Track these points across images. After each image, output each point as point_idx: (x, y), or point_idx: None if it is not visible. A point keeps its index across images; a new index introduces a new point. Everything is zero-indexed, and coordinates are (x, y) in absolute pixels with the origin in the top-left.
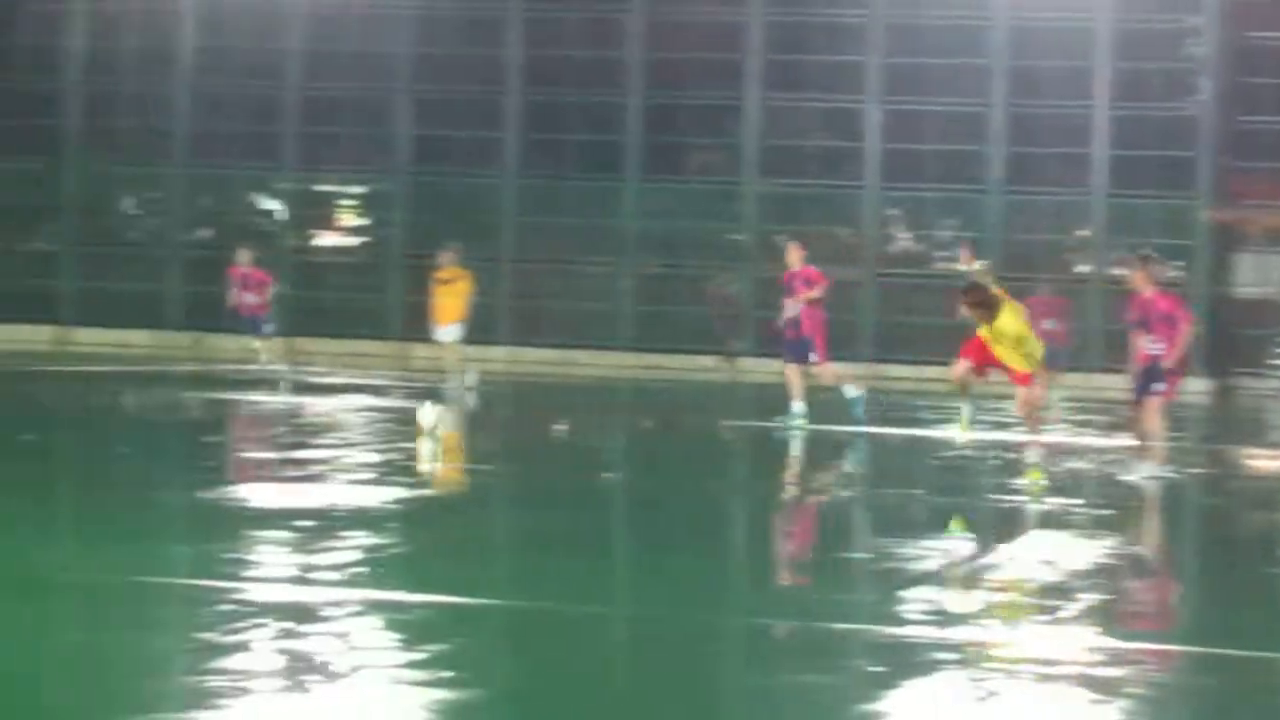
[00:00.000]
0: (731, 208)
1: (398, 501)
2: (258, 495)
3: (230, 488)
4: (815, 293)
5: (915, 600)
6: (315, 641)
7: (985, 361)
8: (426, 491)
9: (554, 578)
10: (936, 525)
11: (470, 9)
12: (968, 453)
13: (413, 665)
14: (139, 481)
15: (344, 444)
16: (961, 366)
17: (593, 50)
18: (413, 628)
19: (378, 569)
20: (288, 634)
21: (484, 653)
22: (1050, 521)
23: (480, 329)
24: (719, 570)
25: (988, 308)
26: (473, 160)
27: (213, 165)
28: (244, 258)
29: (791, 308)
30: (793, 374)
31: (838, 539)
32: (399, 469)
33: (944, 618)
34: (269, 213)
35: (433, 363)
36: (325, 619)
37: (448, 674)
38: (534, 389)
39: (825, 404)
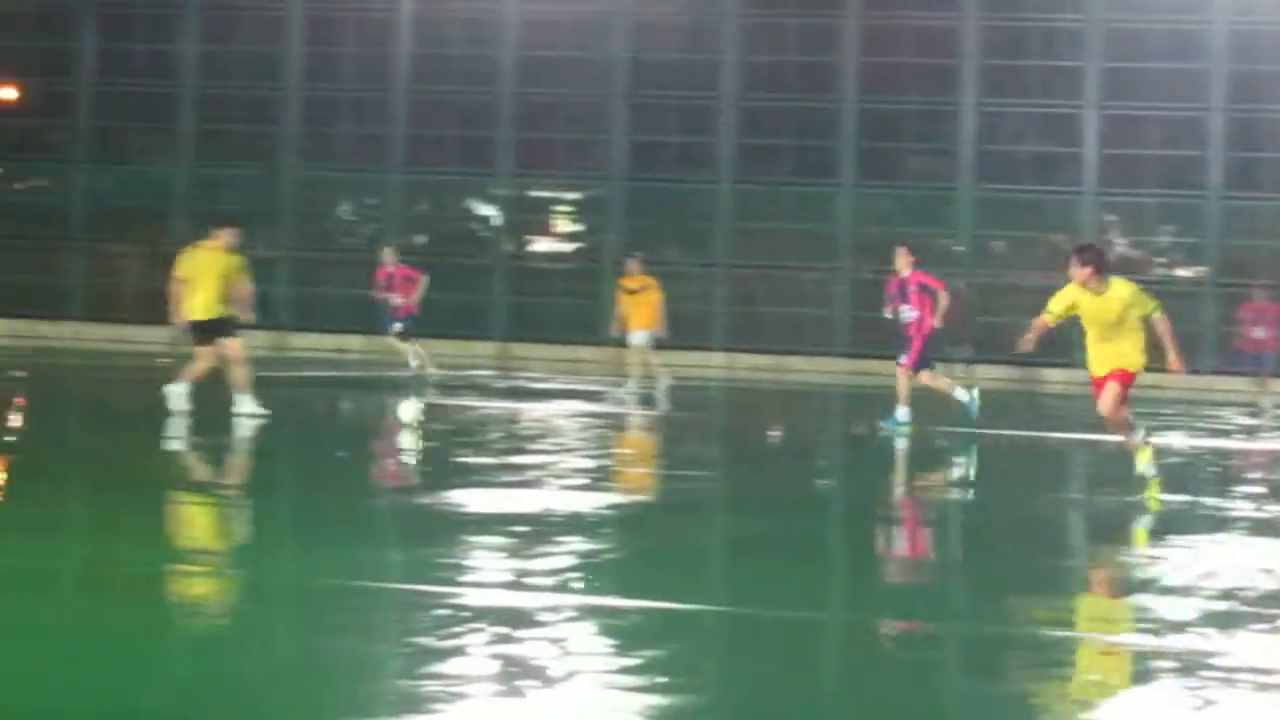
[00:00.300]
0: (946, 213)
1: (612, 507)
2: (473, 500)
3: (446, 493)
4: (943, 300)
5: (1134, 607)
6: (530, 646)
7: (1117, 383)
8: (641, 497)
9: (768, 583)
10: (1154, 531)
11: (686, 15)
12: (1178, 460)
13: (627, 670)
14: (355, 486)
15: (558, 449)
16: (1109, 403)
17: (808, 56)
18: (627, 633)
19: (592, 574)
20: (502, 639)
21: (698, 658)
22: (1266, 529)
23: (695, 335)
24: (933, 576)
25: (1101, 270)
26: (687, 166)
27: (428, 171)
28: (388, 256)
29: (907, 313)
30: (914, 379)
31: (1052, 545)
32: (613, 474)
33: (1161, 625)
34: (484, 218)
35: (619, 367)
36: (540, 624)
37: (662, 679)
38: (748, 394)
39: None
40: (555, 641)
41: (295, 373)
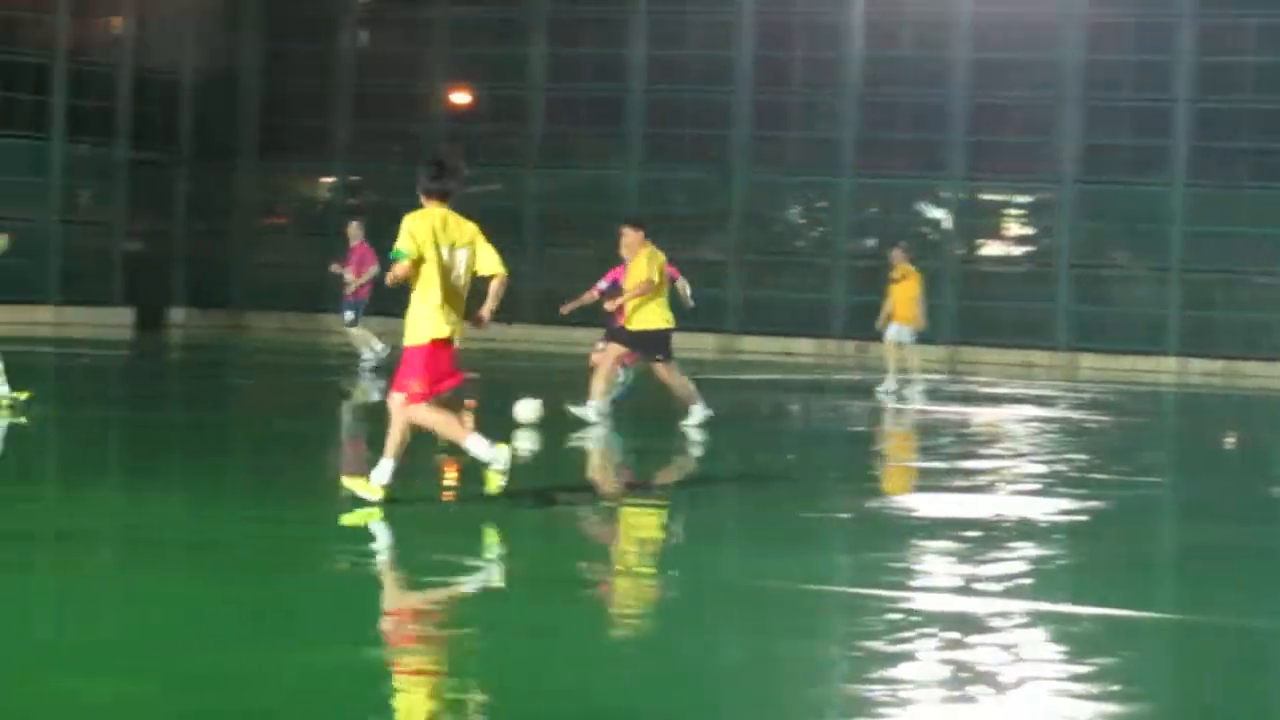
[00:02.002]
0: None
1: (1064, 513)
2: (924, 505)
3: (896, 497)
4: None
5: None
6: (981, 652)
7: None
8: (1094, 503)
9: (1223, 591)
10: None
11: (1140, 16)
12: None
13: (1079, 678)
14: (803, 489)
15: (1010, 454)
16: None
17: (1265, 57)
18: (1080, 640)
19: (1044, 580)
20: (953, 644)
21: (1151, 667)
22: None
23: (1148, 340)
24: None
25: None
26: (1140, 168)
27: (878, 174)
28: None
29: None
30: None
31: None
32: (1066, 480)
33: None
34: (934, 221)
35: (1070, 372)
36: (991, 629)
37: (1114, 687)
38: (1201, 400)
39: None
40: (1006, 647)
41: (743, 376)
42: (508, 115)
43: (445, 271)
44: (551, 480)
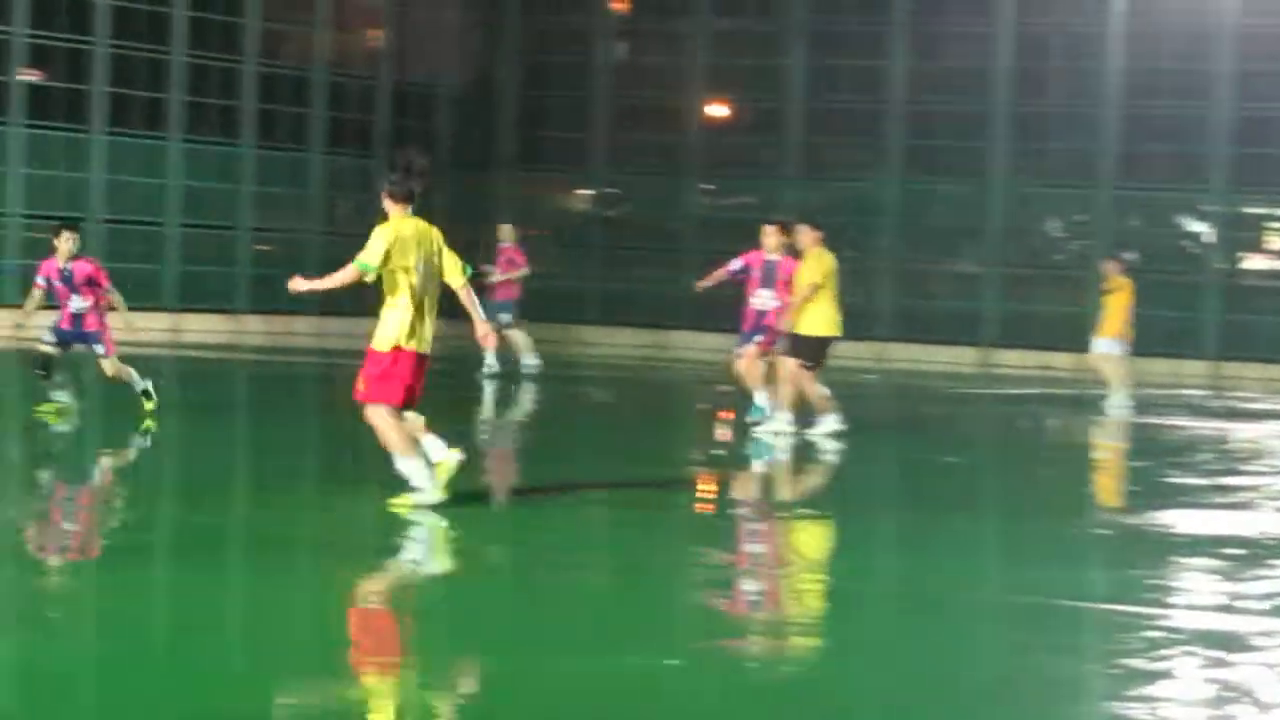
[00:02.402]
0: None
1: None
2: (1183, 521)
3: (1154, 513)
4: None
5: None
6: (1244, 671)
7: None
8: None
9: None
10: None
11: None
12: None
13: None
14: (1061, 505)
15: (1273, 471)
16: None
17: None
18: None
19: None
20: (1215, 663)
21: None
22: None
23: None
24: None
25: None
26: None
27: (1139, 186)
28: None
29: None
30: None
31: None
32: None
33: None
34: (1195, 235)
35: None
36: (1255, 648)
37: None
38: None
39: None
40: (1270, 667)
41: (1002, 390)
42: (765, 127)
43: (416, 280)
44: (814, 494)
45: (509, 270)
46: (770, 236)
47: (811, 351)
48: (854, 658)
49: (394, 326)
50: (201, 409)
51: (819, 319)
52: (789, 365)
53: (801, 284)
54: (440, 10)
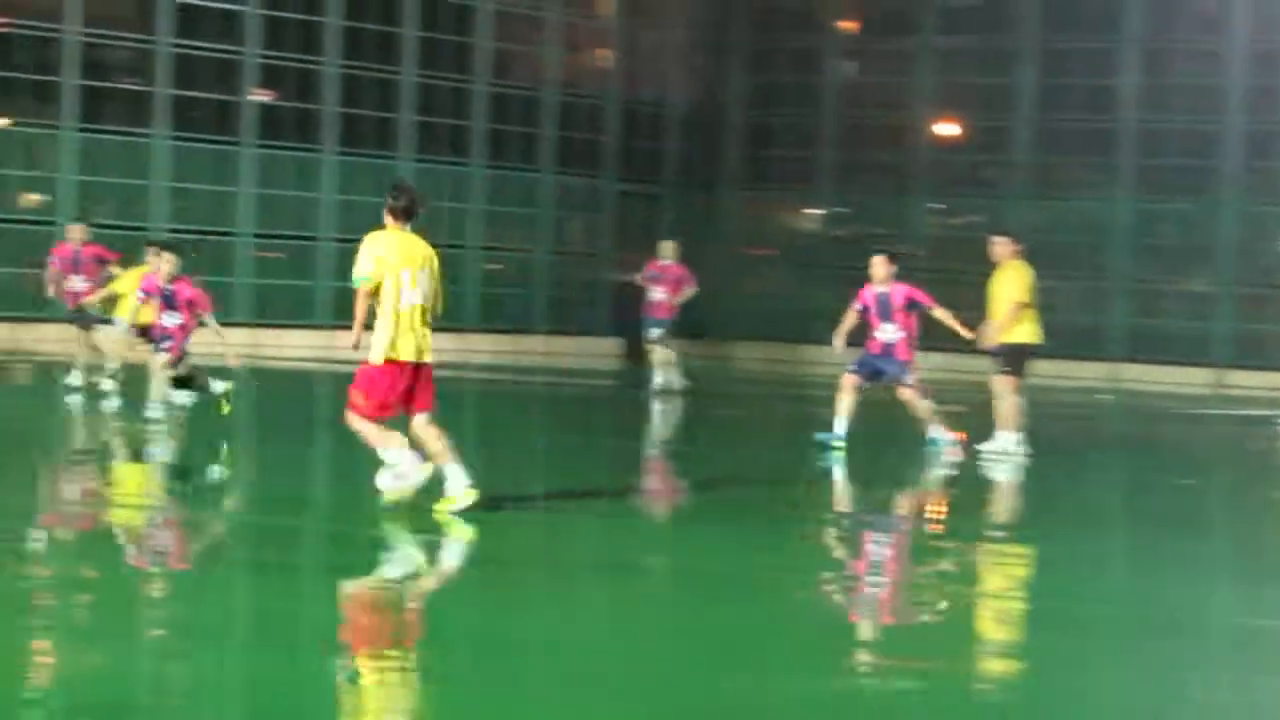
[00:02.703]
0: None
1: None
2: None
3: None
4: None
5: None
6: None
7: None
8: None
9: None
10: None
11: None
12: None
13: None
14: None
15: None
16: None
17: None
18: None
19: None
20: None
21: None
22: None
23: None
24: None
25: None
26: None
27: None
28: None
29: None
30: None
31: None
32: None
33: None
34: None
35: None
36: None
37: None
38: None
39: None
40: None
41: (1236, 411)
42: (994, 146)
43: (406, 292)
44: (1044, 515)
45: (677, 292)
46: (878, 268)
47: (1012, 359)
48: (1091, 680)
49: (384, 340)
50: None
51: (1019, 328)
52: (1000, 383)
53: (1002, 299)
54: (669, 30)
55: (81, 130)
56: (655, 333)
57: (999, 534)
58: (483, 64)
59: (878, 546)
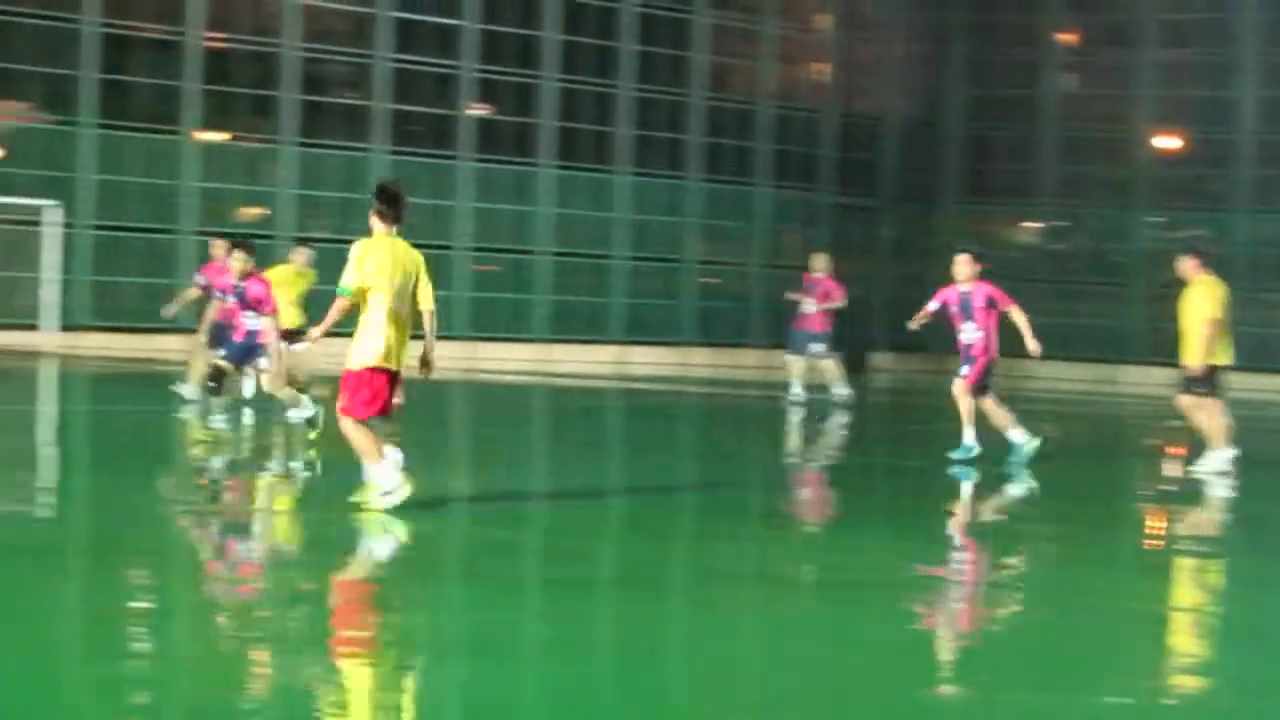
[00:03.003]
0: None
1: None
2: None
3: None
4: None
5: None
6: None
7: None
8: None
9: None
10: None
11: None
12: None
13: None
14: None
15: None
16: None
17: None
18: None
19: None
20: None
21: None
22: None
23: None
24: None
25: None
26: None
27: None
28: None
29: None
30: None
31: None
32: None
33: None
34: None
35: None
36: None
37: None
38: None
39: None
40: None
41: None
42: (1216, 159)
43: (391, 299)
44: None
45: (825, 302)
46: (962, 266)
47: (1204, 381)
48: None
49: (368, 347)
50: (645, 446)
51: (1216, 348)
52: (1189, 402)
53: (1192, 317)
54: (886, 44)
55: (301, 145)
56: (816, 348)
57: (1205, 548)
58: (699, 78)
59: (1080, 565)
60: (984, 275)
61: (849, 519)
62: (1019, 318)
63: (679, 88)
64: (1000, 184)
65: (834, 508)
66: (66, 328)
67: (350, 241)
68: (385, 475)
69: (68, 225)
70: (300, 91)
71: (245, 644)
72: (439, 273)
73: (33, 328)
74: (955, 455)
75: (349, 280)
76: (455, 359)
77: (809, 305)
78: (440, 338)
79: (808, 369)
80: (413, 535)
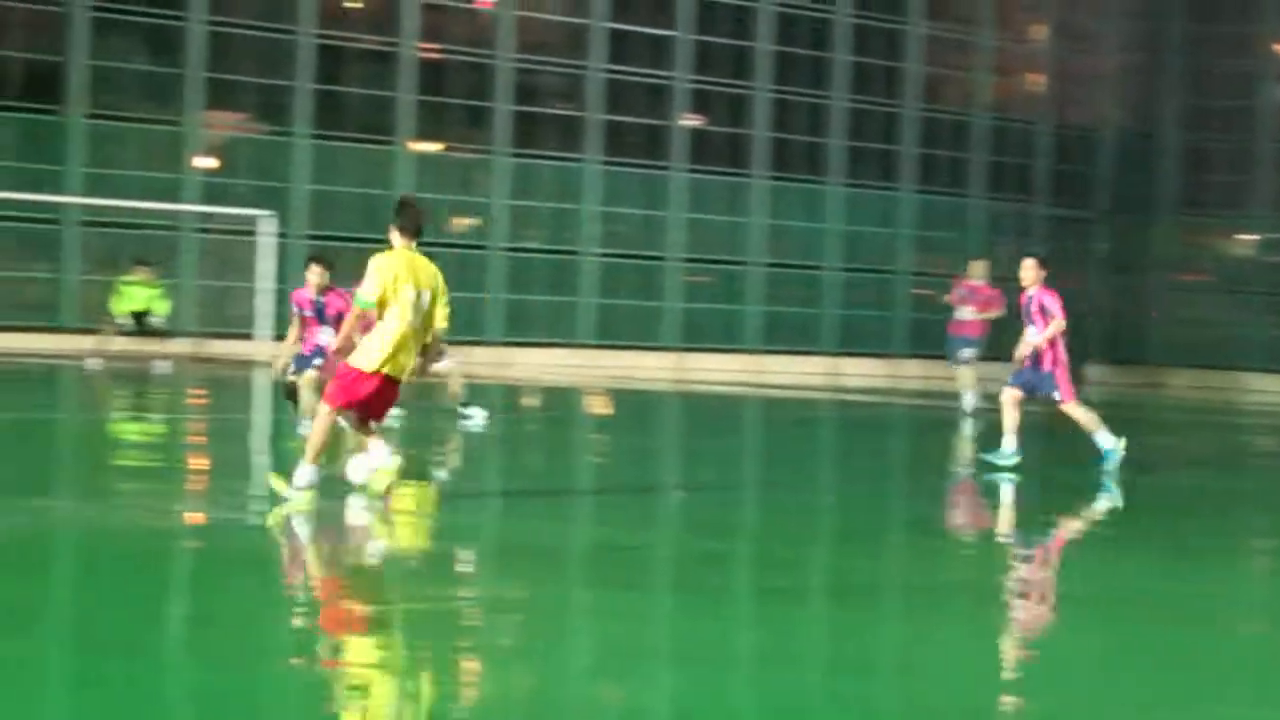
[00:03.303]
0: None
1: None
2: None
3: None
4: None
5: None
6: None
7: None
8: None
9: None
10: None
11: None
12: None
13: None
14: None
15: None
16: None
17: None
18: None
19: None
20: None
21: None
22: None
23: None
24: None
25: None
26: None
27: None
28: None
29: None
30: None
31: None
32: None
33: None
34: None
35: None
36: None
37: None
38: None
39: None
40: None
41: None
42: None
43: (406, 310)
44: None
45: (986, 309)
46: (1028, 270)
47: None
48: None
49: (376, 351)
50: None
51: None
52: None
53: None
54: (1101, 55)
55: (514, 156)
56: (967, 353)
57: None
58: (913, 88)
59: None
60: (1047, 282)
61: (1082, 539)
62: (1053, 327)
63: (893, 99)
64: (1216, 196)
65: (1052, 524)
66: (279, 337)
67: (561, 253)
68: (307, 478)
69: (281, 235)
70: (513, 102)
71: (460, 653)
72: (650, 283)
73: (247, 337)
74: (991, 458)
75: (369, 292)
76: (665, 369)
77: (966, 311)
78: (651, 348)
79: (978, 377)
80: (622, 546)
